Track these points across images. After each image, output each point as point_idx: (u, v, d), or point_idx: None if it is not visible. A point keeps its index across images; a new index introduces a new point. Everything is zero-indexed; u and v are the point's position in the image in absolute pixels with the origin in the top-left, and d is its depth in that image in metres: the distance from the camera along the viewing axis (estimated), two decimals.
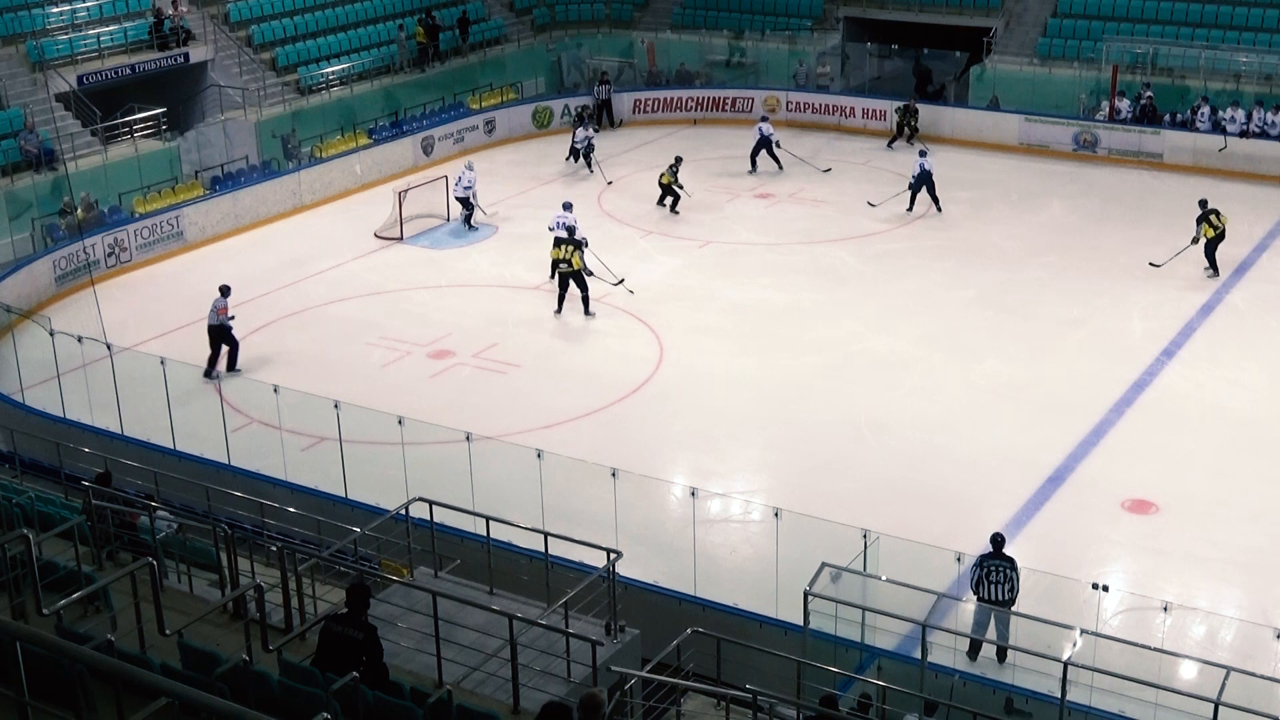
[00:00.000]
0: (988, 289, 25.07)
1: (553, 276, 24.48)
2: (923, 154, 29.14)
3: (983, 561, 14.07)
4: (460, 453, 16.36)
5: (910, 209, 28.66)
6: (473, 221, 28.56)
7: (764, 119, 32.69)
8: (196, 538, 13.70)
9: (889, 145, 33.82)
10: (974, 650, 14.01)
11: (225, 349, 21.47)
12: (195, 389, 19.70)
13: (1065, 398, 20.45)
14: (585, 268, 23.60)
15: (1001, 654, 13.89)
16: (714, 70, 38.58)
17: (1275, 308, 23.95)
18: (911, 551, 14.48)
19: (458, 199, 28.56)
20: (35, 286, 24.79)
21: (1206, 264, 24.76)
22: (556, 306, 23.82)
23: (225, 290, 21.67)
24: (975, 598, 14.09)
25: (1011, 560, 14.10)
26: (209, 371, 21.18)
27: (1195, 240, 24.57)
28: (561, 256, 23.69)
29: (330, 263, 26.91)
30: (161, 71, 31.86)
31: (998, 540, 14.28)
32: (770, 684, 11.67)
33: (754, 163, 32.04)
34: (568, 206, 25.71)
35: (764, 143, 31.84)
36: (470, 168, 28.82)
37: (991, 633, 14.12)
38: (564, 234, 24.45)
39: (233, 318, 21.54)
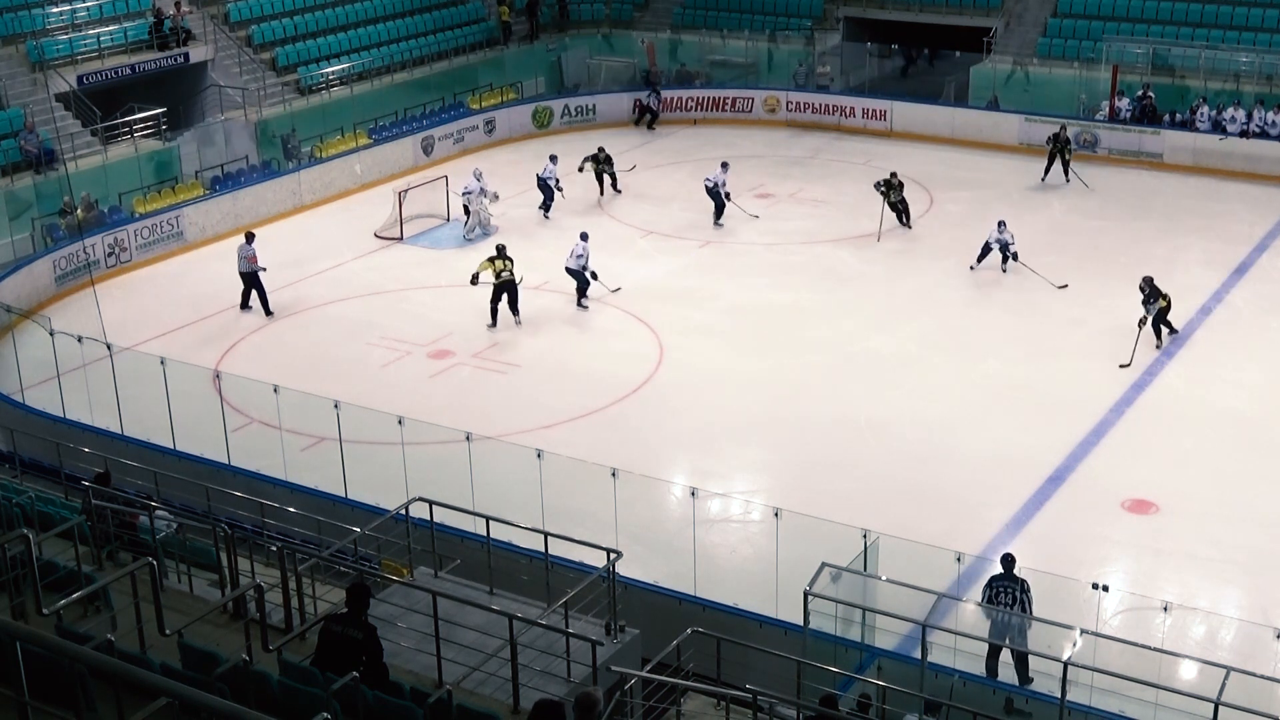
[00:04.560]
0: (988, 289, 25.07)
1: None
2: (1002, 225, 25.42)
3: (992, 583, 13.85)
4: (460, 453, 16.37)
5: None
6: (467, 234, 27.94)
7: (723, 165, 28.76)
8: (196, 538, 13.69)
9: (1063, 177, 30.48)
10: (993, 659, 13.82)
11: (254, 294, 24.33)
12: (195, 389, 19.70)
13: (1065, 398, 20.45)
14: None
15: (1022, 673, 13.67)
16: (714, 70, 38.58)
17: (1275, 308, 23.96)
18: (911, 551, 14.47)
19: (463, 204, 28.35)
20: (35, 286, 24.80)
21: (1157, 340, 21.97)
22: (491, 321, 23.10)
23: (249, 236, 24.45)
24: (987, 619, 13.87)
25: (1022, 582, 13.76)
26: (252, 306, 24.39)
27: (1144, 321, 21.65)
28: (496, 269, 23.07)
29: (330, 263, 26.91)
30: (161, 71, 31.86)
31: (1007, 561, 13.99)
32: (770, 684, 11.68)
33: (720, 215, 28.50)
34: (584, 236, 24.67)
35: (714, 194, 28.36)
36: (478, 176, 28.19)
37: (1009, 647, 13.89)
38: (574, 264, 24.06)
39: (264, 269, 24.14)
